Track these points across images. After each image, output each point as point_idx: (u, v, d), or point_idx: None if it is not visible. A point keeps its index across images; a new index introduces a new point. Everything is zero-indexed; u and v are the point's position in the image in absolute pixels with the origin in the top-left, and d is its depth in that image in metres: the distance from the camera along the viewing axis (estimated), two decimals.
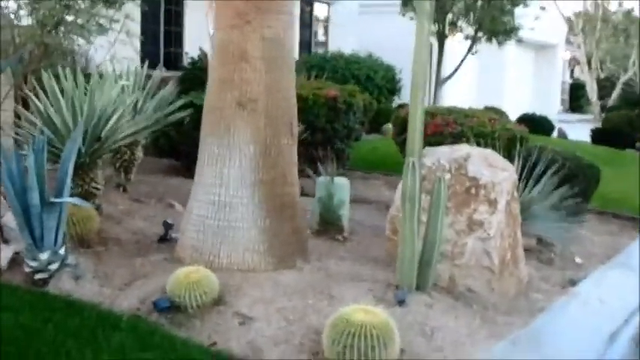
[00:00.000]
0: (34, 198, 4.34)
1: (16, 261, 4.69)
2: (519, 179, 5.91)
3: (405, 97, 12.44)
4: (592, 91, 30.53)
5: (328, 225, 6.15)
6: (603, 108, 27.89)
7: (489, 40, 16.94)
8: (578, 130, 19.25)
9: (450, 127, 8.05)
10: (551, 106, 28.74)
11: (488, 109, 12.34)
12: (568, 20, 30.79)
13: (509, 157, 6.07)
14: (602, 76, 32.02)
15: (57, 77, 6.00)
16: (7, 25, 7.19)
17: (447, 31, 16.76)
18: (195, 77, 10.89)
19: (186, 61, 13.41)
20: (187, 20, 13.93)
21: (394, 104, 16.21)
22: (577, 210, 6.37)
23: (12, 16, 7.37)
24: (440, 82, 17.22)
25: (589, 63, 30.61)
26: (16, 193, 4.38)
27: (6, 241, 4.89)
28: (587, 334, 4.29)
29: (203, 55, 11.39)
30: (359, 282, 4.70)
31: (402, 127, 7.66)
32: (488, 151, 5.41)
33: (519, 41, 18.72)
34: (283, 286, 4.53)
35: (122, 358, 3.50)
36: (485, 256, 4.83)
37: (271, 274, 4.73)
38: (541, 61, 30.63)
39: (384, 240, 5.49)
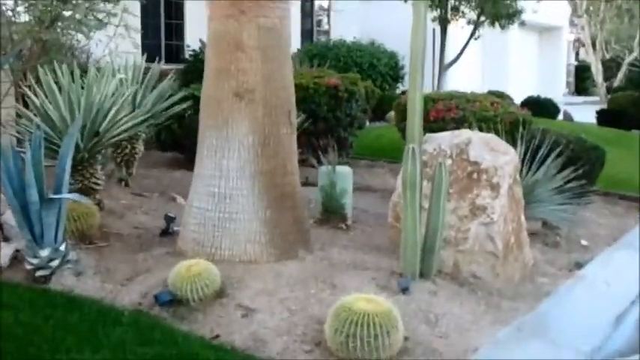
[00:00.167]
0: (33, 195, 4.31)
1: (17, 258, 4.68)
2: (522, 163, 5.86)
3: (408, 84, 12.34)
4: (597, 72, 30.41)
5: (331, 214, 6.12)
6: (609, 89, 27.72)
7: (492, 24, 16.80)
8: (584, 112, 19.11)
9: (451, 113, 7.98)
10: (556, 88, 28.50)
11: (491, 93, 12.23)
12: (571, 1, 30.57)
13: (513, 140, 6.03)
14: (607, 57, 31.86)
15: (54, 72, 5.97)
16: (4, 22, 7.16)
17: (449, 16, 16.66)
18: (196, 69, 10.81)
19: (187, 53, 13.39)
20: (188, 12, 13.87)
21: (398, 91, 16.12)
22: (582, 192, 6.31)
23: (10, 13, 7.34)
24: (443, 68, 17.11)
25: (593, 44, 30.46)
26: (15, 191, 4.36)
27: (6, 239, 4.88)
28: (593, 318, 4.24)
29: (203, 47, 11.32)
30: (362, 270, 4.67)
31: (403, 114, 7.60)
32: (490, 136, 5.36)
33: (522, 24, 18.51)
34: (285, 276, 4.50)
35: (122, 354, 3.47)
36: (489, 241, 4.80)
37: (273, 265, 4.70)
38: (545, 44, 30.36)
39: (387, 228, 5.46)
